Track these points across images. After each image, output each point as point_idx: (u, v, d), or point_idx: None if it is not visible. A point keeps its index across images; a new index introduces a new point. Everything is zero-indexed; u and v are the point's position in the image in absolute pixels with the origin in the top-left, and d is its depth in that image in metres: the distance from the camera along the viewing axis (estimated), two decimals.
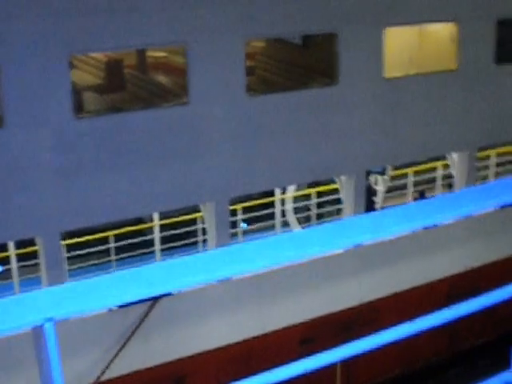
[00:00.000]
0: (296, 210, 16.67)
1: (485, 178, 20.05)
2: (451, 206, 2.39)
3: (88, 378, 13.27)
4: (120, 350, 13.52)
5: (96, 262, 15.76)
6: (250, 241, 2.16)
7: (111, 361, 13.45)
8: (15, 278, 14.93)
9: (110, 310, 13.69)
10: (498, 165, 20.37)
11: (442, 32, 17.32)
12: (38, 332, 1.84)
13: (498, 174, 20.24)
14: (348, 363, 14.82)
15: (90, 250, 15.50)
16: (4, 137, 11.97)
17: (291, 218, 17.80)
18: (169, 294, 13.98)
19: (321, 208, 17.77)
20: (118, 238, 15.56)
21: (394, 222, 2.23)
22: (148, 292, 1.87)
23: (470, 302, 2.45)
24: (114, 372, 13.50)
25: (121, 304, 1.88)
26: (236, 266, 1.95)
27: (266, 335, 15.08)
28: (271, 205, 17.08)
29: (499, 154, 20.26)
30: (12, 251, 14.63)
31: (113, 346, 13.48)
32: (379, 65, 15.37)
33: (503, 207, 17.57)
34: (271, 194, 16.99)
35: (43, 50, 11.89)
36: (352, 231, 2.18)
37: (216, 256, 2.03)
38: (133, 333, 13.61)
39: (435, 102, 16.43)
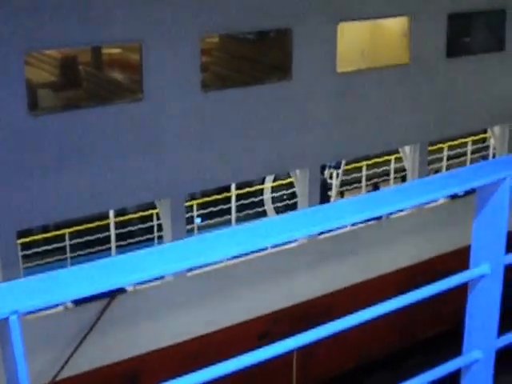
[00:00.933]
0: (251, 206, 16.71)
1: (437, 170, 20.32)
2: (402, 196, 2.44)
3: (45, 376, 13.15)
4: (76, 348, 13.43)
5: (51, 259, 15.60)
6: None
7: (68, 359, 13.35)
8: None
9: (66, 308, 13.59)
10: (450, 158, 20.66)
11: (394, 26, 17.50)
12: (2, 325, 1.84)
13: (450, 167, 20.54)
14: (304, 355, 14.95)
15: (46, 247, 15.34)
16: None
17: (269, 206, 17.98)
18: (124, 291, 13.93)
19: (277, 202, 17.83)
20: (74, 235, 15.43)
21: (346, 213, 2.27)
22: (113, 283, 1.88)
23: (420, 291, 2.51)
24: (70, 370, 13.41)
25: (87, 296, 1.90)
26: (189, 259, 1.97)
27: (222, 330, 15.10)
28: (228, 200, 17.08)
29: (451, 147, 20.55)
30: None
31: (69, 344, 13.38)
32: (333, 60, 15.47)
33: (453, 199, 17.87)
34: (227, 189, 16.99)
35: None
36: (304, 222, 2.22)
37: (170, 249, 2.05)
38: (89, 331, 13.52)
39: (388, 96, 16.60)
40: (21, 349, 1.85)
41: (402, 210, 17.49)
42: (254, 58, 16.78)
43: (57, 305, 13.55)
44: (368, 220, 16.78)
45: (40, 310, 13.05)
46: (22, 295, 1.84)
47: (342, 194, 19.86)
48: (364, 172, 18.87)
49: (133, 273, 1.92)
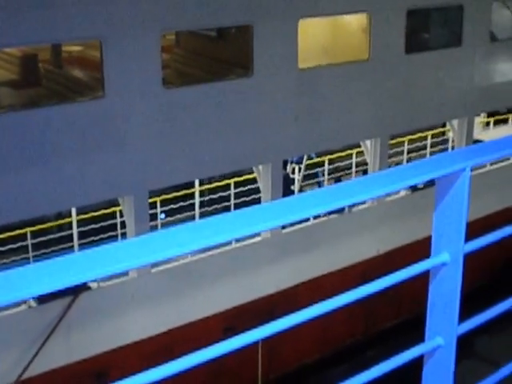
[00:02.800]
0: (214, 201, 16.70)
1: (398, 164, 20.52)
2: (363, 188, 2.46)
3: (9, 376, 13.01)
4: (41, 346, 13.31)
5: (14, 258, 15.42)
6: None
7: (33, 358, 13.22)
8: None
9: (30, 307, 13.45)
10: (410, 151, 20.87)
11: (354, 23, 17.60)
12: None
13: (410, 160, 20.73)
14: (269, 347, 14.99)
15: (8, 246, 15.16)
16: None
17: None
18: (88, 288, 13.84)
19: (240, 198, 17.82)
20: (36, 234, 15.26)
21: (308, 206, 2.28)
22: (76, 279, 1.86)
23: (382, 280, 2.54)
24: (36, 369, 13.29)
25: (42, 294, 1.86)
26: (152, 253, 1.96)
27: (188, 325, 15.09)
28: (191, 196, 17.04)
29: (411, 141, 20.76)
30: None
31: (34, 343, 13.25)
32: (294, 56, 15.52)
33: (414, 191, 18.05)
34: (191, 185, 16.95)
35: None
36: (267, 215, 2.22)
37: (133, 244, 2.04)
38: (54, 329, 13.41)
39: (349, 91, 16.70)
40: None
41: (363, 202, 17.63)
42: (215, 54, 16.76)
43: (20, 303, 13.41)
44: (331, 213, 16.90)
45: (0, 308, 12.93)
46: None
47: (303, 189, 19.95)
48: (326, 166, 18.97)
49: (95, 268, 1.90)
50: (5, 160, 12.52)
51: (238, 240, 15.79)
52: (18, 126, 12.62)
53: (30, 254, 15.10)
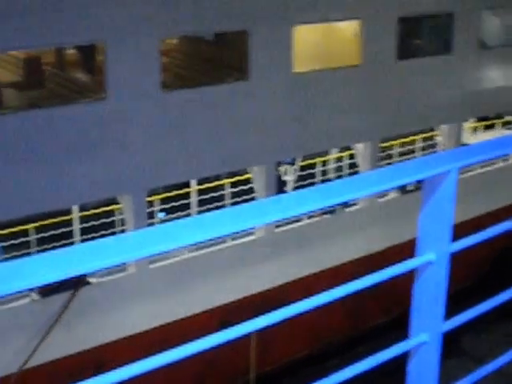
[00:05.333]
0: (209, 201, 16.67)
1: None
2: (352, 187, 2.45)
3: (12, 366, 12.99)
4: (43, 338, 13.29)
5: (17, 254, 15.37)
6: None
7: (35, 349, 13.21)
8: None
9: (33, 301, 13.44)
10: (400, 154, 20.84)
11: (346, 29, 17.59)
12: None
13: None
14: (262, 341, 14.97)
15: (11, 242, 15.11)
16: None
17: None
18: (88, 283, 13.83)
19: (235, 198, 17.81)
20: (38, 230, 15.22)
21: (300, 203, 2.27)
22: (68, 272, 1.84)
23: (368, 277, 2.52)
24: (37, 360, 13.27)
25: (40, 287, 1.85)
26: (149, 247, 1.95)
27: (184, 319, 15.08)
28: (188, 195, 17.01)
29: (402, 144, 20.73)
30: None
31: (35, 335, 13.23)
32: (289, 60, 15.52)
33: (404, 193, 18.06)
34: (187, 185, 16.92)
35: None
36: (261, 212, 2.21)
37: (131, 237, 2.03)
38: (55, 322, 13.40)
39: (341, 96, 16.70)
40: None
41: (355, 203, 17.64)
42: (213, 58, 16.75)
43: (23, 297, 13.40)
44: (323, 213, 16.90)
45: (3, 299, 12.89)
46: None
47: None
48: (319, 168, 18.95)
49: (93, 260, 1.89)
50: (9, 158, 12.50)
51: (233, 238, 15.80)
52: (22, 127, 12.60)
53: (33, 250, 15.06)
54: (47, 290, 13.29)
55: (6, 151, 12.44)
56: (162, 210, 16.60)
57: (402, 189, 18.28)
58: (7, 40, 12.21)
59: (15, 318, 13.11)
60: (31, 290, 13.25)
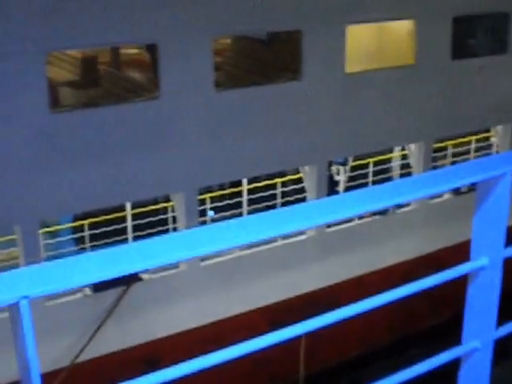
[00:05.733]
0: (261, 200, 16.69)
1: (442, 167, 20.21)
2: (405, 190, 2.42)
3: (64, 359, 13.21)
4: (95, 333, 13.48)
5: (72, 249, 15.65)
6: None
7: (87, 343, 13.41)
8: None
9: (86, 296, 13.64)
10: (454, 155, 20.54)
11: (400, 28, 17.42)
12: (13, 311, 1.84)
13: (454, 164, 20.40)
14: (311, 342, 14.94)
15: (67, 237, 15.40)
16: None
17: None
18: (140, 280, 13.98)
19: (286, 197, 17.80)
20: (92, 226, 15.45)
21: (352, 205, 2.25)
22: (120, 271, 1.87)
23: (421, 281, 2.49)
24: (89, 354, 13.46)
25: (93, 283, 1.88)
26: (201, 246, 1.96)
27: (233, 318, 15.12)
28: (239, 194, 17.05)
29: (455, 145, 20.43)
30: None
31: (87, 329, 13.43)
32: (341, 61, 15.43)
33: (457, 195, 17.79)
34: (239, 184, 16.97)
35: (21, 48, 11.81)
36: (312, 213, 2.20)
37: (183, 236, 2.04)
38: (107, 317, 13.57)
39: (394, 96, 16.54)
40: (31, 333, 1.84)
41: (407, 204, 17.45)
42: (266, 58, 16.76)
43: (76, 292, 13.62)
44: (375, 214, 16.78)
45: (54, 295, 13.11)
46: (33, 281, 1.84)
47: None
48: (370, 168, 18.79)
49: (146, 259, 1.91)
50: (65, 156, 12.71)
51: (284, 238, 15.79)
52: (78, 125, 12.81)
53: (87, 245, 15.29)
54: (100, 286, 13.47)
55: (61, 149, 12.65)
56: (212, 209, 16.68)
57: (456, 190, 18.03)
58: (64, 39, 12.42)
59: (68, 313, 13.32)
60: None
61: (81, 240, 15.41)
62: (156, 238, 1.98)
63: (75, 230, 15.45)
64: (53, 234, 15.14)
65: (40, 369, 1.86)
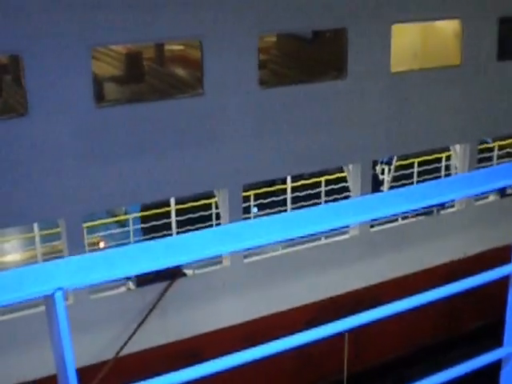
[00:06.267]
0: (304, 198, 16.66)
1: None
2: (448, 189, 2.39)
3: (109, 352, 13.36)
4: (138, 326, 13.61)
5: (115, 243, 15.83)
6: None
7: (130, 337, 13.54)
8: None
9: (129, 289, 13.78)
10: (499, 157, 20.24)
11: (446, 28, 17.23)
12: (49, 302, 1.86)
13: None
14: (355, 341, 14.87)
15: (111, 231, 15.60)
16: (28, 124, 12.05)
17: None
18: (184, 275, 14.07)
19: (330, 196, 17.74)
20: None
21: (396, 203, 2.24)
22: (156, 264, 1.88)
23: (462, 282, 2.46)
24: (133, 347, 13.60)
25: (136, 276, 1.91)
26: (243, 241, 1.97)
27: (276, 315, 15.13)
28: (284, 192, 17.05)
29: (501, 147, 20.13)
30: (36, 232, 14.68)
31: (132, 322, 13.57)
32: (386, 60, 15.31)
33: (503, 196, 17.53)
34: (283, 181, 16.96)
35: (66, 43, 11.96)
36: (355, 210, 2.19)
37: (226, 231, 2.05)
38: (150, 311, 13.69)
39: (439, 96, 16.36)
40: (66, 325, 1.85)
41: (452, 205, 17.25)
42: (310, 56, 16.71)
43: (120, 285, 13.78)
44: (418, 214, 16.62)
45: (97, 288, 13.27)
46: (68, 273, 1.86)
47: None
48: (415, 168, 18.62)
49: (189, 252, 1.92)
50: (108, 151, 12.84)
51: (327, 236, 15.75)
52: (121, 120, 12.92)
53: (132, 240, 15.45)
54: (143, 280, 13.60)
55: (104, 143, 12.77)
56: (255, 206, 16.70)
57: (502, 192, 17.77)
58: (110, 34, 12.53)
59: (112, 306, 13.47)
60: (128, 278, 13.58)
61: (146, 230, 15.72)
62: (199, 232, 1.99)
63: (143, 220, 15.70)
64: (121, 224, 15.40)
65: (79, 361, 1.88)
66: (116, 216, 15.76)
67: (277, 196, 17.11)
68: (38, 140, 12.17)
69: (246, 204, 15.58)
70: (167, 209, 15.36)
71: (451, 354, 16.63)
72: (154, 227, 15.33)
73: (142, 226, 15.57)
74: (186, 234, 1.98)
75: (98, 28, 12.22)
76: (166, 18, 12.79)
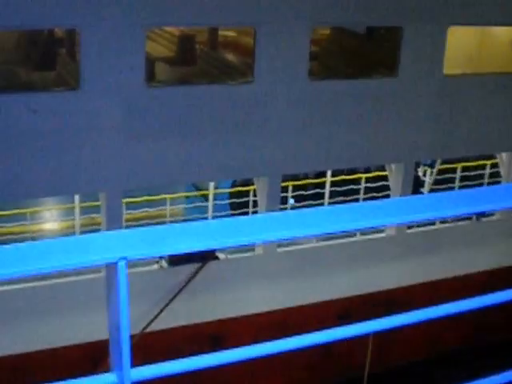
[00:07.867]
0: (343, 193, 16.57)
1: None
2: (490, 198, 2.34)
3: (135, 327, 13.49)
4: (166, 305, 13.72)
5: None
6: None
7: (158, 314, 13.66)
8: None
9: (161, 268, 13.88)
10: None
11: (503, 35, 16.94)
12: (111, 270, 1.91)
13: None
14: (380, 340, 14.79)
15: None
16: (79, 98, 12.19)
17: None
18: (216, 258, 14.12)
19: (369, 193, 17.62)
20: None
21: (441, 206, 2.20)
22: (210, 244, 1.92)
23: (499, 294, 2.41)
24: (159, 325, 13.71)
25: (183, 252, 1.96)
26: (279, 231, 1.96)
27: (304, 307, 15.12)
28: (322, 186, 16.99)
29: None
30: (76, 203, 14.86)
31: (161, 301, 13.67)
32: (440, 61, 15.13)
33: None
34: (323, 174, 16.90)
35: (122, 22, 12.06)
36: (399, 210, 2.16)
37: (262, 220, 2.05)
38: (180, 291, 13.78)
39: (491, 102, 16.11)
40: (125, 293, 1.94)
41: (492, 213, 17.03)
42: (362, 52, 16.58)
43: (153, 263, 13.89)
44: (458, 219, 16.43)
45: (143, 260, 13.40)
46: (131, 244, 1.94)
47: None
48: (458, 173, 18.40)
49: (222, 237, 1.93)
50: (156, 130, 12.94)
51: (363, 233, 15.66)
52: (171, 101, 12.99)
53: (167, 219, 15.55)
54: (176, 260, 13.68)
55: (152, 123, 12.85)
56: (293, 197, 16.67)
57: None
58: (165, 16, 12.59)
59: (143, 282, 13.59)
60: (161, 257, 13.67)
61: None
62: (237, 218, 2.00)
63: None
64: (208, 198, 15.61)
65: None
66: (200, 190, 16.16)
67: (310, 190, 17.06)
68: (87, 115, 12.33)
69: (284, 194, 15.57)
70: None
71: (477, 364, 16.43)
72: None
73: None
74: (226, 219, 2.01)
75: (154, 9, 12.28)
76: (221, 3, 12.78)
